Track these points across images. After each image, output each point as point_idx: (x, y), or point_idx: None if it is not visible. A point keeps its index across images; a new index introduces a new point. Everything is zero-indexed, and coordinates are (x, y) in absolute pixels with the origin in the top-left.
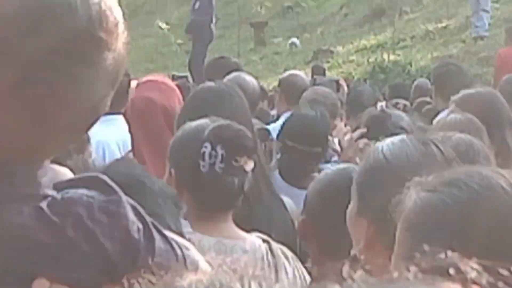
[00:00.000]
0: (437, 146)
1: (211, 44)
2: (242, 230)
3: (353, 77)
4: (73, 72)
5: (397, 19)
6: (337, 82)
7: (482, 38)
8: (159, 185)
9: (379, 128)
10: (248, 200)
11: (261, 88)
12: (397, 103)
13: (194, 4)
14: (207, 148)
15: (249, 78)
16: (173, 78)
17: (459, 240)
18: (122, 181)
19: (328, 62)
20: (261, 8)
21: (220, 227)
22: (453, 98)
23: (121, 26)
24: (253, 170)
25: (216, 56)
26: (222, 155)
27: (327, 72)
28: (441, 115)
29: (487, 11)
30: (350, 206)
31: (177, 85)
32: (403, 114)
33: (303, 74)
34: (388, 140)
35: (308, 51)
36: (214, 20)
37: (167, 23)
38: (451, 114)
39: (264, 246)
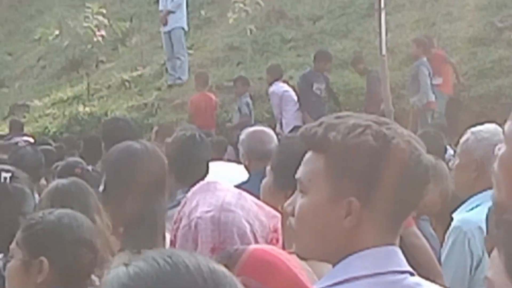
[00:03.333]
0: None
1: None
2: None
3: (49, 131)
4: None
5: (94, 70)
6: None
7: (178, 85)
8: None
9: None
10: None
11: None
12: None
13: None
14: None
15: None
16: None
17: None
18: None
19: (24, 116)
20: None
21: None
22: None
23: None
24: None
25: None
26: None
27: (24, 127)
28: None
29: (180, 58)
30: None
31: None
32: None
33: None
34: None
35: (5, 106)
36: None
37: None
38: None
39: None
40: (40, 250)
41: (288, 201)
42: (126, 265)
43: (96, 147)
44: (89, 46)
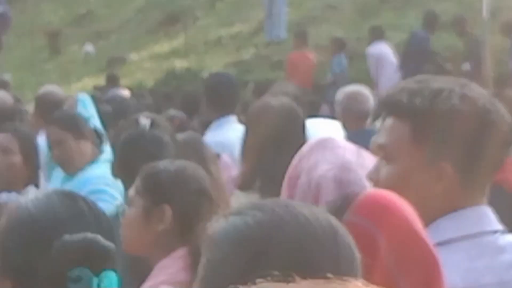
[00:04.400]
0: (85, 201)
1: (4, 54)
2: None
3: (146, 85)
4: None
5: (191, 25)
6: None
7: (276, 42)
8: None
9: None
10: None
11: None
12: (173, 117)
13: None
14: None
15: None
16: None
17: (258, 259)
18: None
19: (121, 70)
20: (54, 16)
21: None
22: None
23: None
24: None
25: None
26: None
27: (121, 80)
28: (212, 126)
29: (281, 16)
30: None
31: None
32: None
33: (59, 89)
34: (32, 195)
35: (103, 59)
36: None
37: None
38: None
39: None
40: (164, 198)
41: (371, 169)
42: (239, 215)
43: (193, 102)
44: (188, 1)
